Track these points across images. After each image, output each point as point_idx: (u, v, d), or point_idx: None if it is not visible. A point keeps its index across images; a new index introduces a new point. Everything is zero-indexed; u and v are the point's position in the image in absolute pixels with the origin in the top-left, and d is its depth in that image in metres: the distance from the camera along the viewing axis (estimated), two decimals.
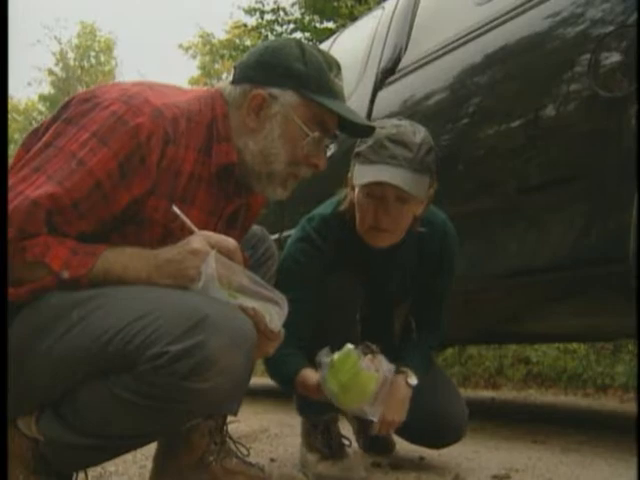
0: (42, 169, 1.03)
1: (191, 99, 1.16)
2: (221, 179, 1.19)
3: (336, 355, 1.35)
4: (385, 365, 1.39)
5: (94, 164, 1.03)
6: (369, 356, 1.38)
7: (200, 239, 1.05)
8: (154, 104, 1.08)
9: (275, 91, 1.15)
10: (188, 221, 1.08)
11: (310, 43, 1.36)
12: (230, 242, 1.06)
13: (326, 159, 1.23)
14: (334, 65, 1.20)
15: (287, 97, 1.15)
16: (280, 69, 1.15)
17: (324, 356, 1.36)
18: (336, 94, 1.18)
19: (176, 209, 1.07)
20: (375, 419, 1.43)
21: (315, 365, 1.41)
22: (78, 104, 1.09)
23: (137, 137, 1.05)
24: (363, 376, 1.34)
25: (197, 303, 1.00)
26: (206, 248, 1.03)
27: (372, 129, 1.32)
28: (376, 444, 1.89)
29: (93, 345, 0.99)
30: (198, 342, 0.96)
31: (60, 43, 22.56)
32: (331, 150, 2.75)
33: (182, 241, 1.06)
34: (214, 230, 1.15)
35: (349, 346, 1.35)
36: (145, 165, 1.06)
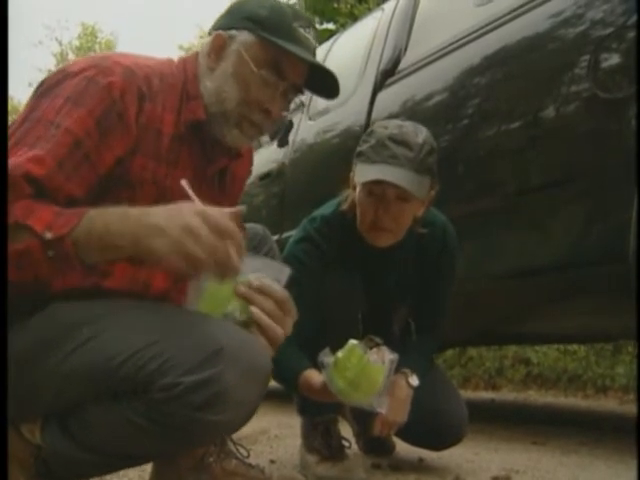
0: (22, 142, 1.01)
1: (162, 61, 1.21)
2: (195, 138, 1.19)
3: (340, 353, 1.34)
4: (388, 355, 1.38)
5: (70, 123, 1.03)
6: (374, 349, 1.37)
7: (193, 213, 0.94)
8: (124, 64, 1.10)
9: (233, 32, 1.18)
10: (194, 196, 1.00)
11: None
12: (225, 221, 0.95)
13: (284, 108, 1.21)
14: (303, 18, 1.21)
15: (242, 37, 1.17)
16: (243, 13, 1.19)
17: (325, 356, 1.36)
18: (297, 40, 1.17)
19: (184, 183, 1.01)
20: (383, 411, 1.40)
21: (317, 365, 1.40)
22: (49, 80, 1.10)
23: (110, 95, 1.06)
24: (371, 369, 1.33)
25: (213, 332, 0.97)
26: (199, 223, 0.93)
27: (336, 82, 1.23)
28: (376, 445, 1.89)
29: (103, 367, 0.97)
30: (213, 374, 0.93)
31: (61, 45, 22.52)
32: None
33: (173, 205, 0.97)
34: (199, 192, 1.04)
35: (353, 342, 1.35)
36: (124, 121, 1.07)
